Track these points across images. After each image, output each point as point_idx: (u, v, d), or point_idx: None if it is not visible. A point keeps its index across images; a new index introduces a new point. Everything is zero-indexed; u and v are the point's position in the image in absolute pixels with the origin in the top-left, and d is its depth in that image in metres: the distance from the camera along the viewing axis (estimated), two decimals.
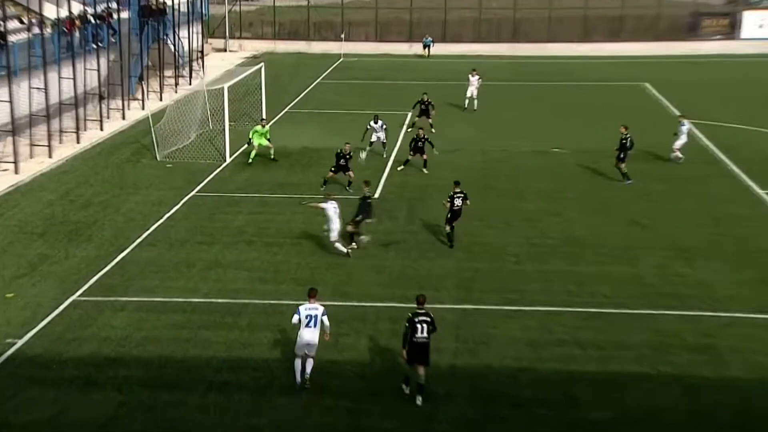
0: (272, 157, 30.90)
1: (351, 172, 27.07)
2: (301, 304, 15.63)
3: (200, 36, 51.86)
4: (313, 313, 15.56)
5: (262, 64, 37.05)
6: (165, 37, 44.49)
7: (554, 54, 59.91)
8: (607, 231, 23.91)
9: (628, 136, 28.22)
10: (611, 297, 19.51)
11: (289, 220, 24.55)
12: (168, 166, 30.63)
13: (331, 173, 27.05)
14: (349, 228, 22.31)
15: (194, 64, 48.77)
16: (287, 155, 31.78)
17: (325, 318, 15.60)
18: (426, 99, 35.88)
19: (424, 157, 29.65)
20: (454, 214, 22.95)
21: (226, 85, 31.23)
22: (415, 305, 15.37)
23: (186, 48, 47.96)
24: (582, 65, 55.53)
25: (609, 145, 33.15)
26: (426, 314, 15.25)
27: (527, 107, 41.92)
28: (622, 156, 28.30)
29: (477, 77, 39.59)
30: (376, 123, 31.19)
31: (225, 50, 61.99)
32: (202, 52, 50.96)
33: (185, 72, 47.50)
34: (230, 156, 31.44)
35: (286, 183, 28.35)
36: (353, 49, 61.35)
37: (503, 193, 27.56)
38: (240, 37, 64.02)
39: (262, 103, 36.49)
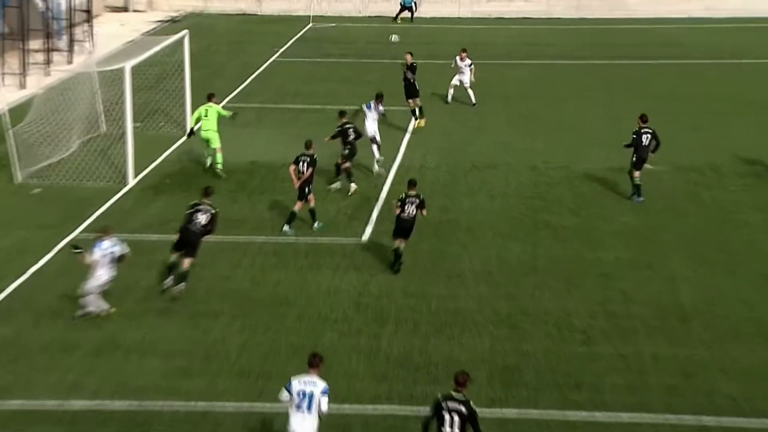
0: (211, 165, 31.99)
1: (311, 195, 27.36)
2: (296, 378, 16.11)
3: None
4: (308, 389, 15.90)
5: (186, 32, 37.31)
6: None
7: (642, 15, 60.36)
8: (730, 293, 24.02)
9: (650, 130, 29.51)
10: (739, 399, 19.53)
11: (228, 276, 24.56)
12: (34, 192, 30.76)
13: (299, 203, 27.35)
14: (173, 257, 23.23)
15: (77, 31, 48.99)
16: (227, 174, 32.07)
17: (324, 400, 15.93)
18: (412, 63, 36.38)
19: (347, 165, 30.15)
20: (403, 224, 24.73)
21: (127, 65, 31.43)
22: (453, 386, 15.77)
23: (64, 6, 48.19)
24: (687, 32, 56.00)
25: (732, 159, 33.28)
26: (464, 403, 15.54)
27: (601, 99, 42.22)
28: (635, 159, 29.49)
29: (468, 61, 40.14)
30: (378, 104, 32.08)
31: (126, 9, 62.28)
32: (89, 12, 51.18)
33: (62, 44, 47.68)
34: (134, 176, 31.61)
35: (224, 218, 28.19)
36: (328, 10, 61.67)
37: (564, 233, 27.73)
38: None
39: (185, 92, 36.71)
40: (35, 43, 45.15)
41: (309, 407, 15.77)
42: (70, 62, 46.12)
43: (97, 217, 28.54)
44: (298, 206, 27.30)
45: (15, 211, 29.15)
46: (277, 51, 51.66)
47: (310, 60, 49.74)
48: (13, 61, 43.34)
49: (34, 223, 28.21)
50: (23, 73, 42.86)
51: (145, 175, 32.08)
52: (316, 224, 27.44)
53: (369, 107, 32.34)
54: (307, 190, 27.15)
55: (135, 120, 32.47)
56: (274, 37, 54.56)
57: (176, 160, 33.71)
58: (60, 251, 26.24)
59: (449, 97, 40.89)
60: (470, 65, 40.26)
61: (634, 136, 29.65)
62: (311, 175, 27.14)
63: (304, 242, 26.74)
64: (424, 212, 24.97)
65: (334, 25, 58.89)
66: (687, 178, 31.59)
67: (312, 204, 27.37)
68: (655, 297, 23.77)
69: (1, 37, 43.02)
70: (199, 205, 23.67)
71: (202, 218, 23.41)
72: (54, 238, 26.94)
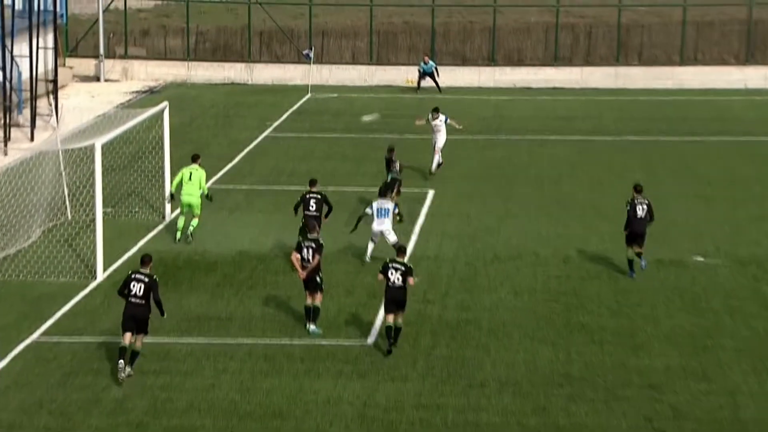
0: (189, 236, 32.72)
1: (320, 294, 27.24)
2: None
3: (52, 53, 52.46)
4: None
5: (166, 104, 37.38)
6: None
7: (690, 86, 60.78)
8: None
9: (646, 202, 30.97)
10: None
11: (212, 384, 24.49)
12: None
13: (309, 297, 27.19)
14: (124, 341, 23.85)
15: (41, 104, 49.27)
16: (211, 266, 32.06)
17: None
18: (393, 158, 37.09)
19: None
20: (393, 295, 25.70)
21: (98, 142, 31.51)
22: None
23: (25, 75, 48.48)
24: (744, 105, 56.14)
25: None
26: None
27: (643, 181, 41.72)
28: (628, 233, 30.89)
29: (441, 118, 40.89)
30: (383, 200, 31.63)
31: (98, 79, 62.75)
32: (55, 82, 51.47)
33: (22, 119, 47.89)
34: (104, 269, 31.56)
35: (207, 316, 28.37)
36: (329, 79, 62.11)
37: (602, 335, 27.55)
38: (125, 56, 64.93)
39: (164, 172, 36.77)
40: None
41: None
42: (31, 140, 46.35)
43: (61, 317, 28.37)
44: (317, 299, 27.18)
45: None
46: (271, 125, 51.97)
47: (308, 135, 49.98)
48: None
49: None
50: None
51: (117, 268, 31.86)
52: (313, 327, 27.22)
53: (382, 214, 31.57)
54: (318, 279, 27.12)
55: (106, 205, 32.59)
56: (266, 110, 54.94)
57: (152, 250, 33.54)
58: (17, 356, 26.03)
59: (432, 168, 41.33)
60: (446, 120, 40.81)
61: (628, 208, 30.86)
62: (318, 263, 27.07)
63: (300, 345, 26.58)
64: (411, 281, 25.77)
65: (335, 95, 59.29)
66: (748, 273, 31.46)
67: (318, 301, 27.26)
68: (712, 413, 23.44)
69: None
70: (132, 275, 24.28)
71: (137, 288, 23.97)
72: (9, 341, 26.72)
